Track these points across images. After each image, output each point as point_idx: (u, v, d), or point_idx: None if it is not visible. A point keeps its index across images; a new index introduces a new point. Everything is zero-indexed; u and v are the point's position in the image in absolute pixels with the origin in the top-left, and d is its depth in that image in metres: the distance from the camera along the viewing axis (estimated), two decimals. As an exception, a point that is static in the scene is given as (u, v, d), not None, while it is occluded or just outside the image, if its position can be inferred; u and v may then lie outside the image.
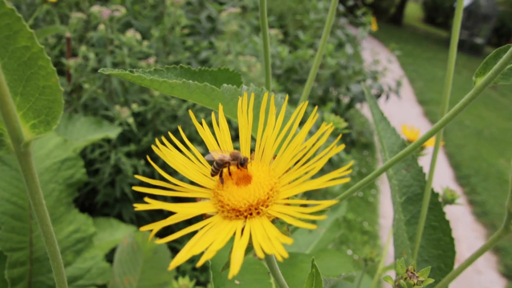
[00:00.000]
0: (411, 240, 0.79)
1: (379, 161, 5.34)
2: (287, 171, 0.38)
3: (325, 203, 0.29)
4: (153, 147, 0.36)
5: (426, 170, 0.85)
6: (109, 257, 1.69)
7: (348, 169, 0.30)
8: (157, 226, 0.31)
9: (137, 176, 0.33)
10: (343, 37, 4.76)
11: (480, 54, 13.22)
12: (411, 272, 0.48)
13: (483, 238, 4.22)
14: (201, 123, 0.43)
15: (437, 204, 0.82)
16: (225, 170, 0.40)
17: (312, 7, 4.57)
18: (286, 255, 0.27)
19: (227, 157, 0.40)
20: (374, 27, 4.83)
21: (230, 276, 0.27)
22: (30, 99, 0.33)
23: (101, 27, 2.15)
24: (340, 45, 4.79)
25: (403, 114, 6.61)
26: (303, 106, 0.37)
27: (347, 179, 0.29)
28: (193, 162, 0.41)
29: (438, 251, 0.81)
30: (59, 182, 1.45)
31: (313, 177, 0.33)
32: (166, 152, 0.38)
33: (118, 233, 1.83)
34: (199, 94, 0.52)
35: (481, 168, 5.68)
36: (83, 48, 2.18)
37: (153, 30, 2.53)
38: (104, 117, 2.21)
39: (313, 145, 0.34)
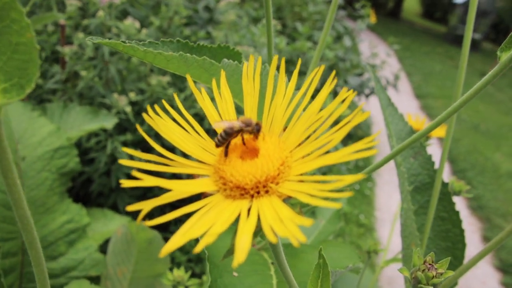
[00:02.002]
0: (419, 231, 0.75)
1: (377, 154, 5.31)
2: (300, 144, 0.33)
3: (347, 178, 0.24)
4: (144, 115, 0.32)
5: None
6: (103, 248, 1.65)
7: (374, 140, 0.26)
8: (147, 205, 0.26)
9: (124, 149, 0.28)
10: (342, 30, 4.71)
11: (477, 50, 13.17)
12: (430, 264, 0.44)
13: (479, 232, 4.21)
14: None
15: (446, 194, 0.78)
16: (232, 141, 0.35)
17: (311, -1, 4.52)
18: (303, 239, 0.23)
19: (236, 124, 0.35)
20: (373, 19, 4.78)
21: (235, 264, 0.22)
22: (1, 58, 0.28)
23: (100, 13, 2.09)
24: (338, 38, 4.74)
25: (400, 108, 6.53)
26: (318, 70, 0.32)
27: (374, 151, 0.24)
28: (190, 134, 0.36)
29: (447, 243, 0.77)
30: (52, 171, 1.41)
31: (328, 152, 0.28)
32: (159, 122, 0.33)
33: (112, 224, 1.79)
34: (197, 69, 0.48)
35: (477, 162, 5.66)
36: (79, 35, 2.13)
37: (152, 19, 2.47)
38: (101, 105, 2.16)
39: (331, 114, 0.30)
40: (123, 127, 2.19)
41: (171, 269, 1.16)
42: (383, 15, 16.26)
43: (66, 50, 2.09)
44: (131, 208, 0.26)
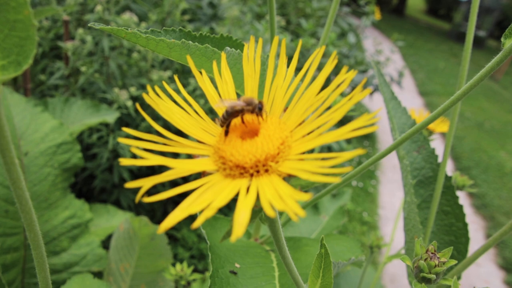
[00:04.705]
0: (422, 225, 0.75)
1: (379, 151, 5.29)
2: (300, 124, 0.33)
3: (346, 155, 0.24)
4: (144, 95, 0.31)
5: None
6: (106, 243, 1.65)
7: (374, 117, 0.25)
8: (148, 182, 0.26)
9: (124, 129, 0.28)
10: (346, 26, 4.70)
11: (482, 47, 13.10)
12: (432, 253, 0.43)
13: (482, 230, 4.19)
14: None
15: (449, 188, 0.78)
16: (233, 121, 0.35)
17: (315, -5, 4.51)
18: (302, 214, 0.22)
19: (239, 103, 0.34)
20: (377, 16, 4.76)
21: (233, 238, 0.22)
22: (-1, 35, 0.28)
23: (98, 8, 2.09)
24: (342, 34, 4.73)
25: (404, 105, 6.54)
26: (319, 51, 0.31)
27: (375, 127, 0.24)
28: (191, 115, 0.35)
29: (450, 237, 0.77)
30: (55, 166, 1.41)
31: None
32: (159, 102, 0.32)
33: (115, 220, 1.79)
34: (199, 57, 0.47)
35: (481, 160, 5.64)
36: (80, 31, 2.13)
37: (150, 13, 2.47)
38: (102, 100, 2.16)
39: (331, 93, 0.29)
40: (124, 122, 2.19)
41: (173, 265, 1.16)
42: (387, 11, 16.20)
43: (69, 45, 2.10)
44: (131, 185, 0.25)
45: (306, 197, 0.23)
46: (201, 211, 0.24)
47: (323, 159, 0.26)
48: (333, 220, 1.29)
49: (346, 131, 0.26)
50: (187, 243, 2.34)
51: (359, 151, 0.24)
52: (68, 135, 1.46)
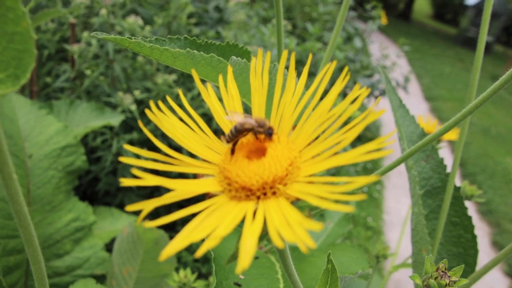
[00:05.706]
0: (430, 237, 0.73)
1: (386, 157, 5.27)
2: (309, 143, 0.31)
3: (360, 180, 0.23)
4: (147, 111, 0.30)
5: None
6: (110, 246, 1.65)
7: (389, 140, 0.24)
8: (148, 205, 0.25)
9: (126, 146, 0.27)
10: (352, 30, 4.69)
11: (489, 52, 13.05)
12: (442, 271, 0.42)
13: (488, 236, 4.16)
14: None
15: (458, 199, 0.76)
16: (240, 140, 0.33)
17: (321, -1, 4.50)
18: (312, 245, 0.21)
19: (250, 122, 0.33)
20: (384, 20, 4.74)
21: (239, 270, 0.21)
22: (-4, 48, 0.27)
23: (103, 12, 2.09)
24: (348, 39, 4.72)
25: (410, 110, 6.51)
26: (330, 67, 0.30)
27: (387, 152, 0.23)
28: (195, 132, 0.34)
29: (458, 249, 0.75)
30: (59, 169, 1.41)
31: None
32: (162, 118, 0.31)
33: (119, 223, 1.79)
34: (204, 67, 0.46)
35: (487, 166, 5.61)
36: (85, 34, 2.13)
37: (156, 17, 2.47)
38: (106, 104, 2.16)
39: (343, 112, 0.28)
40: (129, 125, 2.18)
41: (177, 269, 1.15)
42: (394, 16, 16.17)
43: (75, 48, 2.10)
44: (131, 208, 0.24)
45: (318, 226, 0.22)
46: (205, 237, 0.23)
47: (333, 183, 0.24)
48: (338, 227, 1.28)
49: (359, 154, 0.25)
50: (190, 246, 2.32)
51: (373, 178, 0.23)
52: (73, 138, 1.45)
